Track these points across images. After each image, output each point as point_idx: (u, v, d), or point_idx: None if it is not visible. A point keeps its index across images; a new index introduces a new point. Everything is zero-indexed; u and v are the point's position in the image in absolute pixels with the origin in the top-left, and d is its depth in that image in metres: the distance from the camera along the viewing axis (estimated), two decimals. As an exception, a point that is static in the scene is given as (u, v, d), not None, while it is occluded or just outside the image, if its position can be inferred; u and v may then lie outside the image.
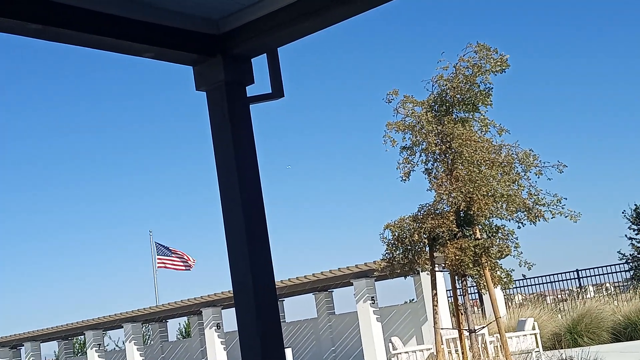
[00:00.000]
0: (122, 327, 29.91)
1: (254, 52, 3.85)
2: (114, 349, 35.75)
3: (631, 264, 28.50)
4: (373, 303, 22.44)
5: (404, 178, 13.42)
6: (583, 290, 26.71)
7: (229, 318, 27.15)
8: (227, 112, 3.78)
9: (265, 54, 3.92)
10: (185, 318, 34.80)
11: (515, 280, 19.71)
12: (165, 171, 50.32)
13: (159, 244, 33.18)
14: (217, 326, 26.47)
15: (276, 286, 4.64)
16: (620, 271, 26.96)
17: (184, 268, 32.91)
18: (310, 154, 47.29)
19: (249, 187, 3.84)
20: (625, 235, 29.20)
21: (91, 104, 47.60)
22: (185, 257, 32.77)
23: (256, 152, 3.94)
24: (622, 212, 29.37)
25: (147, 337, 35.61)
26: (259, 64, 4.01)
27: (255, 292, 3.69)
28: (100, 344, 31.03)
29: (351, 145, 46.83)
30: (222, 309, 26.87)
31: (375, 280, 22.69)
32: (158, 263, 33.26)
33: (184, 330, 37.80)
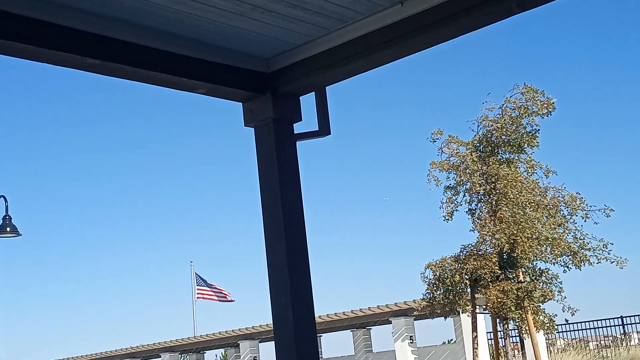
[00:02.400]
0: (160, 356, 30.03)
1: (302, 91, 3.93)
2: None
3: (679, 312, 27.75)
4: (411, 342, 22.20)
5: (447, 217, 13.37)
6: (627, 337, 26.06)
7: (266, 352, 27.09)
8: (274, 149, 3.86)
9: (313, 92, 4.01)
10: (222, 350, 34.81)
11: (557, 325, 19.33)
12: (211, 203, 50.78)
13: (199, 275, 33.39)
14: (254, 359, 26.39)
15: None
16: (668, 319, 26.28)
17: (221, 299, 33.04)
18: (353, 189, 47.32)
19: (293, 222, 3.88)
20: (674, 282, 28.51)
21: (143, 130, 48.45)
22: (223, 292, 32.92)
23: (301, 187, 3.99)
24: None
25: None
26: (307, 101, 4.09)
27: (295, 327, 3.71)
28: (137, 373, 31.15)
29: (395, 181, 46.74)
30: (260, 342, 26.81)
31: (415, 320, 22.46)
32: (197, 294, 33.42)
33: (221, 361, 37.77)
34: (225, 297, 32.91)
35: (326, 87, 4.04)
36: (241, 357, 27.04)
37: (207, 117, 45.97)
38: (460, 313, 17.25)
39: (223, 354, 36.30)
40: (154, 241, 51.27)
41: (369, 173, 45.94)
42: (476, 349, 13.62)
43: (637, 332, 27.03)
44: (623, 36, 39.86)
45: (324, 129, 4.09)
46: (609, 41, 40.62)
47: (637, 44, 39.91)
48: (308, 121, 4.05)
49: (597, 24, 40.25)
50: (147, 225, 50.28)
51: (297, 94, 3.95)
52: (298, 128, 4.02)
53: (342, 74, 3.81)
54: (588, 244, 12.73)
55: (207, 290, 33.26)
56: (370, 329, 26.57)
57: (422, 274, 13.43)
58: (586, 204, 12.89)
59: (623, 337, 26.01)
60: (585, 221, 12.91)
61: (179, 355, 31.68)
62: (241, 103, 3.93)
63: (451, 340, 27.82)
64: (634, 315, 26.13)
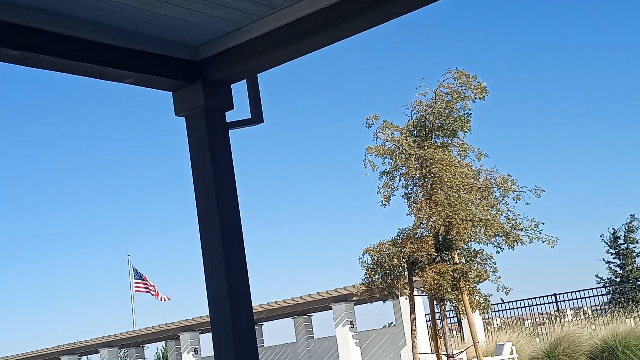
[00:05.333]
0: (99, 352, 29.54)
1: (233, 78, 3.88)
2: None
3: (609, 287, 28.68)
4: (352, 327, 22.37)
5: (384, 202, 13.47)
6: (561, 314, 26.81)
7: (208, 343, 26.94)
8: (206, 138, 3.80)
9: (245, 80, 3.96)
10: (163, 343, 34.47)
11: (493, 305, 19.77)
12: (145, 195, 50.05)
13: (136, 269, 32.95)
14: (194, 351, 26.21)
15: (254, 310, 4.62)
16: (598, 295, 27.12)
17: (153, 294, 32.76)
18: (289, 177, 47.33)
19: (228, 212, 3.84)
20: (603, 259, 29.43)
21: (65, 127, 47.33)
22: (154, 289, 32.61)
23: (235, 176, 3.95)
24: (601, 236, 29.63)
25: (124, 362, 35.17)
26: (239, 89, 4.04)
27: (233, 317, 3.68)
28: (76, 369, 30.60)
29: (331, 168, 46.93)
30: (200, 333, 26.63)
31: (355, 305, 22.64)
32: (135, 287, 32.99)
33: (161, 355, 37.39)
34: (155, 292, 32.63)
35: (258, 75, 4.00)
36: (182, 349, 26.82)
37: (138, 107, 45.21)
38: (399, 296, 17.46)
39: (164, 347, 35.97)
40: (91, 237, 50.32)
41: (305, 160, 46.02)
42: (414, 330, 13.81)
43: (571, 309, 27.84)
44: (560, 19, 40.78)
45: (256, 117, 4.05)
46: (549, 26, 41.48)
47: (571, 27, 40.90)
48: (240, 109, 4.01)
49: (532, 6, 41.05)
50: (84, 221, 49.32)
51: (228, 82, 3.90)
52: (230, 117, 3.97)
53: (273, 61, 3.77)
54: (520, 224, 13.04)
55: (144, 284, 32.90)
56: (311, 315, 26.67)
57: (361, 259, 13.54)
58: (517, 186, 13.19)
59: (557, 314, 26.75)
60: (516, 202, 13.21)
61: (118, 350, 31.23)
62: (171, 92, 3.86)
63: (391, 323, 28.16)
64: (566, 292, 26.91)
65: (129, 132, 47.29)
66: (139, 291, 33.08)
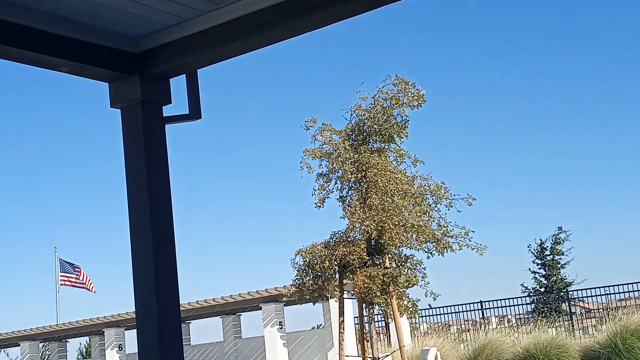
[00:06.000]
0: (19, 345, 28.76)
1: (172, 73, 3.82)
2: (9, 367, 34.25)
3: (533, 297, 29.39)
4: (281, 328, 22.36)
5: (318, 205, 13.52)
6: (486, 321, 27.34)
7: (132, 339, 26.53)
8: (141, 131, 3.73)
9: (184, 74, 3.91)
10: (87, 338, 33.77)
11: (420, 310, 20.01)
12: (74, 187, 48.96)
13: (63, 261, 32.22)
14: (119, 347, 25.78)
15: (182, 308, 4.58)
16: (523, 304, 27.76)
17: (86, 288, 32.11)
18: (224, 175, 47.01)
19: (160, 207, 3.78)
20: (529, 269, 30.14)
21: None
22: (85, 280, 31.97)
23: (169, 172, 3.89)
24: (528, 246, 30.33)
25: (45, 356, 34.29)
26: (178, 84, 3.98)
27: (159, 314, 3.63)
28: (-6, 362, 29.73)
29: (267, 168, 46.81)
30: (126, 330, 26.21)
31: (285, 305, 22.63)
32: (61, 280, 32.26)
33: (84, 350, 36.63)
34: (85, 285, 32.01)
35: (198, 70, 3.95)
36: (106, 345, 26.33)
37: (72, 96, 44.19)
38: (329, 298, 17.55)
39: (87, 342, 35.22)
40: (18, 230, 48.94)
41: (242, 159, 45.79)
42: (342, 333, 13.88)
43: (496, 317, 28.42)
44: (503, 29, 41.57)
45: (194, 113, 4.00)
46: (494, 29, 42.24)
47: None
48: (178, 104, 3.96)
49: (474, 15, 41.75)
50: (12, 215, 47.93)
51: (166, 76, 3.84)
52: (167, 111, 3.91)
53: (214, 57, 3.73)
54: (451, 231, 13.24)
55: (71, 277, 32.17)
56: (240, 315, 26.55)
57: (293, 260, 13.54)
58: (450, 193, 13.39)
59: (482, 321, 27.27)
60: (448, 209, 13.42)
61: (40, 344, 30.45)
62: (107, 83, 3.78)
63: (320, 325, 28.24)
64: (492, 300, 27.46)
65: (62, 124, 46.18)
66: (64, 284, 32.36)
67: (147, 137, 3.73)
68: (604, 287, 25.29)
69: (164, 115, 3.89)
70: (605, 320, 21.45)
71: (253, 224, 47.97)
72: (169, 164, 3.90)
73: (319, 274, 13.33)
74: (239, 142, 45.74)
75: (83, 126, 46.22)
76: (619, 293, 24.97)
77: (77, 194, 48.58)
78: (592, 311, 27.77)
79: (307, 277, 13.44)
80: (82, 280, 32.01)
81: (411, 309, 13.87)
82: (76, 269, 32.00)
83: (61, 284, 32.55)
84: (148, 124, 3.75)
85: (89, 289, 32.15)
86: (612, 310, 23.56)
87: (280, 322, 22.37)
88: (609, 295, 25.48)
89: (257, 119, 45.37)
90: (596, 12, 39.86)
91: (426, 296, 13.56)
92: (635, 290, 24.66)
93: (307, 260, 13.32)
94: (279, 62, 43.88)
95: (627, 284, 24.53)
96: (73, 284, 32.34)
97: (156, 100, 3.81)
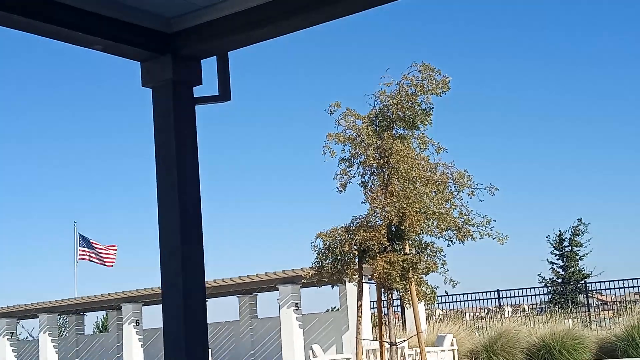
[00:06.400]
0: (38, 317, 29.14)
1: (204, 54, 3.82)
2: (26, 338, 34.74)
3: (550, 287, 29.31)
4: (297, 309, 22.46)
5: (340, 189, 13.53)
6: (501, 309, 27.31)
7: (149, 315, 26.77)
8: (172, 111, 3.75)
9: (215, 56, 3.91)
10: (104, 312, 34.14)
11: (438, 297, 20.02)
12: (98, 163, 49.29)
13: (82, 236, 32.54)
14: (136, 322, 26.03)
15: (205, 289, 4.60)
16: (539, 294, 27.71)
17: (103, 263, 32.39)
18: (248, 157, 47.08)
19: (188, 188, 3.80)
20: (547, 260, 30.04)
21: (18, 89, 46.27)
22: (105, 252, 32.23)
23: (198, 152, 3.91)
24: (547, 237, 30.21)
25: (63, 329, 34.75)
26: (209, 66, 3.98)
27: (185, 295, 3.66)
28: (13, 333, 30.15)
29: (291, 151, 46.83)
30: (143, 305, 26.44)
31: (301, 287, 22.72)
32: (80, 255, 32.59)
33: (101, 324, 37.04)
34: (104, 260, 32.30)
35: (229, 52, 3.95)
36: (123, 320, 26.60)
37: (103, 75, 44.36)
38: (347, 282, 17.60)
39: (104, 316, 35.61)
40: (39, 202, 49.40)
41: (266, 141, 45.86)
42: (360, 317, 13.92)
43: (511, 306, 28.40)
44: (532, 24, 41.17)
45: (224, 95, 4.00)
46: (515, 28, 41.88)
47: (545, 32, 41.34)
48: (209, 85, 3.96)
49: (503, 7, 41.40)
50: (33, 186, 48.36)
51: (198, 57, 3.85)
52: (198, 92, 3.92)
53: (246, 40, 3.73)
54: (472, 219, 13.20)
55: (90, 252, 32.49)
56: (257, 295, 26.70)
57: (313, 243, 13.57)
58: (473, 182, 13.32)
59: (497, 310, 27.25)
60: (470, 198, 13.36)
61: (58, 317, 30.82)
62: (139, 62, 3.79)
63: (335, 307, 28.34)
64: (508, 289, 27.43)
65: (89, 99, 46.41)
66: (82, 259, 32.70)
67: (178, 116, 3.75)
68: (621, 280, 25.18)
69: (195, 96, 3.91)
70: (622, 313, 21.38)
71: (273, 205, 48.12)
72: (199, 143, 3.92)
73: (339, 257, 13.36)
74: (263, 125, 45.81)
75: (113, 103, 46.44)
76: (637, 287, 24.83)
77: (100, 168, 48.92)
78: (609, 303, 27.66)
79: (327, 261, 13.47)
80: (102, 254, 32.29)
81: (429, 296, 13.88)
82: (93, 245, 32.29)
83: (80, 259, 32.87)
84: (179, 104, 3.76)
85: (106, 263, 32.44)
86: (629, 303, 23.44)
87: (297, 303, 22.47)
88: (626, 289, 25.37)
89: (285, 102, 45.39)
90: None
91: (445, 283, 13.57)
92: (654, 284, 24.54)
93: (327, 243, 13.35)
94: (306, 46, 43.77)
95: (646, 277, 24.40)
96: (91, 258, 32.64)
97: (187, 81, 3.82)
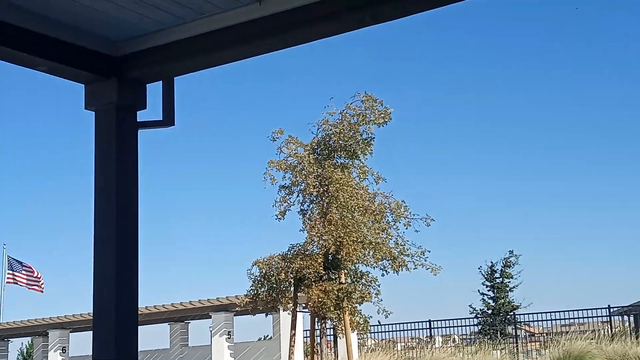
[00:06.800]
0: (-41, 342, 28.04)
1: (150, 79, 3.81)
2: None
3: (480, 318, 29.72)
4: (229, 338, 22.21)
5: (279, 216, 13.53)
6: (432, 339, 27.55)
7: (77, 342, 26.05)
8: (114, 135, 3.72)
9: (161, 81, 3.90)
10: (29, 338, 33.05)
11: (370, 326, 20.07)
12: (29, 181, 47.99)
13: (12, 258, 31.57)
14: (62, 349, 25.30)
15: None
16: (469, 325, 28.05)
17: (34, 287, 31.47)
18: (189, 182, 46.57)
19: (127, 212, 3.76)
20: (478, 291, 30.47)
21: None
22: (37, 275, 31.36)
23: (138, 177, 3.88)
24: (479, 268, 30.70)
25: (-16, 355, 33.43)
26: (154, 91, 3.96)
27: (117, 320, 3.61)
28: None
29: (228, 179, 46.54)
30: (71, 332, 25.74)
31: (235, 315, 22.49)
32: (7, 277, 31.58)
33: (25, 351, 35.83)
34: (37, 281, 31.39)
35: (175, 78, 3.95)
36: (49, 347, 25.82)
37: (44, 95, 43.31)
38: (281, 311, 17.52)
39: (30, 342, 34.48)
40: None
41: (208, 167, 45.43)
42: (293, 346, 13.87)
43: (442, 336, 28.65)
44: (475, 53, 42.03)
45: (168, 119, 3.99)
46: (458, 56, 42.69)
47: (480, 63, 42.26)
48: (153, 110, 3.94)
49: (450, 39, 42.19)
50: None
51: (143, 81, 3.83)
52: (142, 116, 3.90)
53: (192, 66, 3.74)
54: (408, 250, 13.34)
55: (19, 275, 31.53)
56: (189, 322, 26.30)
57: (249, 271, 13.49)
58: (409, 212, 13.50)
59: (428, 340, 27.47)
60: (407, 228, 13.51)
61: (-19, 342, 29.72)
62: (84, 85, 3.75)
63: (267, 336, 28.14)
64: (440, 320, 27.69)
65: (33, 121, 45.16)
66: (10, 282, 31.69)
67: (120, 140, 3.72)
68: (548, 312, 25.71)
69: (138, 120, 3.88)
70: (549, 345, 21.82)
71: (210, 232, 47.60)
72: (139, 168, 3.89)
73: (274, 285, 13.31)
74: (203, 152, 45.40)
75: (53, 124, 45.25)
76: (564, 319, 25.41)
77: (31, 190, 47.61)
78: (536, 335, 28.20)
79: (262, 289, 13.40)
80: (32, 279, 31.37)
81: (362, 325, 13.92)
82: (25, 267, 31.37)
83: (7, 282, 31.86)
84: (122, 128, 3.74)
85: (38, 289, 31.52)
86: (555, 335, 23.96)
87: (229, 331, 22.22)
88: (553, 321, 25.93)
89: (229, 129, 45.12)
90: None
91: (378, 313, 13.63)
92: (579, 318, 25.14)
93: (264, 271, 13.29)
94: (251, 75, 43.80)
95: (571, 310, 25.00)
96: (20, 282, 31.69)
97: (131, 105, 3.80)
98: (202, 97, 39.36)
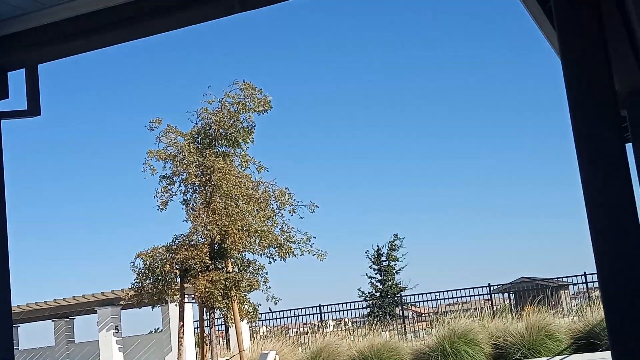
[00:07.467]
0: None
1: (10, 66, 3.66)
2: None
3: (369, 301, 30.36)
4: (117, 332, 21.72)
5: (161, 207, 13.32)
6: (324, 324, 27.93)
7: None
8: (-26, 126, 3.55)
9: (23, 69, 3.75)
10: None
11: (260, 314, 20.14)
12: None
13: None
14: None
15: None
16: (359, 308, 28.61)
17: None
18: (63, 173, 45.06)
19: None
20: (366, 274, 31.12)
21: None
22: None
23: (3, 169, 3.72)
24: (366, 252, 31.33)
25: None
26: (19, 78, 3.80)
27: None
28: None
29: (108, 169, 45.33)
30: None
31: (122, 309, 22.02)
32: None
33: None
34: None
35: (39, 65, 3.80)
36: None
37: None
38: (169, 302, 17.28)
39: None
40: None
41: (82, 157, 44.10)
42: (182, 337, 13.71)
43: (333, 320, 29.09)
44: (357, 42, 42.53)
45: (33, 109, 3.85)
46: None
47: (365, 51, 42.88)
48: (18, 100, 3.79)
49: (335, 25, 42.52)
50: None
51: (5, 69, 3.67)
52: (4, 106, 3.74)
53: (57, 53, 3.61)
54: (293, 237, 13.44)
55: None
56: (74, 318, 25.54)
57: (132, 263, 13.23)
58: (294, 200, 13.59)
59: (320, 325, 27.83)
60: (292, 215, 13.61)
61: None
62: (-63, 73, 3.55)
63: (158, 329, 27.70)
64: (330, 304, 28.09)
65: None
66: None
67: (-19, 132, 3.55)
68: (434, 292, 26.55)
69: (1, 110, 3.72)
70: (435, 324, 22.54)
71: (92, 225, 46.30)
72: (4, 160, 3.73)
73: (159, 277, 13.11)
74: (78, 140, 44.03)
75: None
76: (448, 298, 26.30)
77: None
78: (423, 315, 29.08)
79: (147, 281, 13.18)
80: None
81: (252, 314, 13.94)
82: None
83: None
84: (-18, 119, 3.57)
85: None
86: (441, 314, 24.79)
87: (117, 326, 21.74)
88: (438, 301, 26.79)
89: (101, 117, 43.89)
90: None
91: (267, 300, 13.69)
92: (462, 296, 26.09)
93: (148, 263, 13.06)
94: (125, 61, 42.73)
95: (455, 290, 25.93)
96: None
97: (-8, 94, 3.63)
98: (70, 84, 38.17)
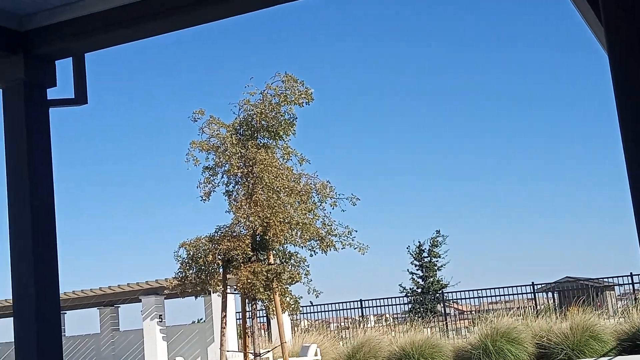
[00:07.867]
0: None
1: (59, 55, 3.72)
2: None
3: (410, 297, 30.26)
4: (160, 321, 22.03)
5: (204, 198, 13.45)
6: (365, 319, 27.91)
7: (3, 329, 25.45)
8: (24, 113, 3.63)
9: (71, 57, 3.81)
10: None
11: (302, 307, 20.23)
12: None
13: None
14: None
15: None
16: (400, 304, 28.53)
17: None
18: (108, 162, 45.77)
19: (41, 194, 3.69)
20: (408, 270, 31.00)
21: None
22: None
23: (51, 156, 3.80)
24: (407, 248, 31.20)
25: None
26: (65, 67, 3.88)
27: (37, 303, 3.54)
28: None
29: (154, 158, 45.94)
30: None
31: (166, 299, 22.32)
32: None
33: None
34: None
35: (86, 54, 3.87)
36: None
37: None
38: (211, 293, 17.46)
39: None
40: None
41: (127, 147, 44.74)
42: (224, 328, 13.85)
43: (374, 315, 29.06)
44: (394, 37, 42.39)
45: (80, 97, 3.92)
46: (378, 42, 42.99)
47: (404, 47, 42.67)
48: (65, 88, 3.87)
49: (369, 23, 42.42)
50: None
51: (52, 58, 3.74)
52: (53, 94, 3.82)
53: (103, 42, 3.67)
54: (335, 230, 13.46)
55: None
56: (119, 307, 25.97)
57: (176, 253, 13.40)
58: (335, 192, 13.61)
59: (361, 320, 27.82)
60: (333, 208, 13.63)
61: None
62: (-11, 61, 3.64)
63: (201, 319, 28.01)
64: (371, 299, 28.06)
65: None
66: None
67: (30, 118, 3.63)
68: (476, 290, 26.34)
69: (49, 98, 3.80)
70: (477, 322, 22.33)
71: (137, 214, 46.98)
72: (52, 147, 3.81)
73: (202, 267, 13.25)
74: (125, 130, 44.69)
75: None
76: (490, 296, 26.06)
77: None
78: (465, 313, 28.85)
79: (190, 271, 13.33)
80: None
81: (293, 306, 14.00)
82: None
83: None
84: (31, 106, 3.65)
85: None
86: (483, 312, 24.55)
87: (160, 315, 22.04)
88: (481, 298, 26.56)
89: (147, 108, 44.49)
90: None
91: (309, 293, 13.73)
92: (505, 295, 25.81)
93: (191, 253, 13.21)
94: (169, 53, 43.18)
95: (498, 287, 25.66)
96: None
97: (40, 82, 3.71)
98: (116, 73, 38.70)
